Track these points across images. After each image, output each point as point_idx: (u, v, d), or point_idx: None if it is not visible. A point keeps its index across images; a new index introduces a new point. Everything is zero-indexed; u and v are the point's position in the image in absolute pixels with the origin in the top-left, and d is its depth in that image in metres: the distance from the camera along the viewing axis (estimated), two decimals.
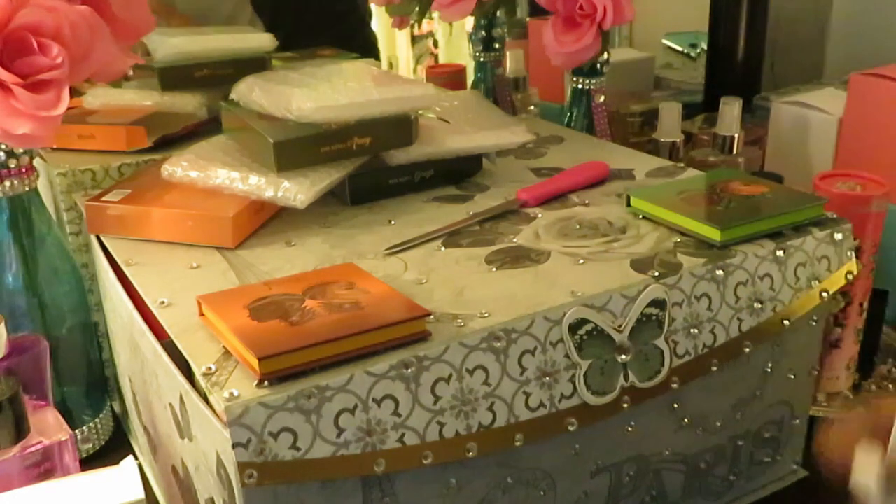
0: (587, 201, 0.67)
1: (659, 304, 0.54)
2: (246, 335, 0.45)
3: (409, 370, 0.46)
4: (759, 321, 0.58)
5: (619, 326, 0.52)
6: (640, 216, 0.63)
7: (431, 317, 0.48)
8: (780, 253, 0.58)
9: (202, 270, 0.57)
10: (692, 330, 0.55)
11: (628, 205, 0.64)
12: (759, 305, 0.58)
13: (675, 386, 0.55)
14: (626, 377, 0.53)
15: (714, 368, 0.57)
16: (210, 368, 0.45)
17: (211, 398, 0.47)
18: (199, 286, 0.54)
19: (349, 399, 0.44)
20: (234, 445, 0.42)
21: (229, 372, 0.45)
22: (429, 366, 0.47)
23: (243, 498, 0.44)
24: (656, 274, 0.54)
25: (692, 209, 0.60)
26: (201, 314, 0.50)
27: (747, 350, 0.58)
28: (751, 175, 0.67)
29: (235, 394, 0.43)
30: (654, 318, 0.54)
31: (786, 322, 0.59)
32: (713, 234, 0.58)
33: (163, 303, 0.53)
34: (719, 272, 0.56)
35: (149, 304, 0.53)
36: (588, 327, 0.51)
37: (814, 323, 0.64)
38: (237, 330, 0.45)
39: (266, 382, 0.43)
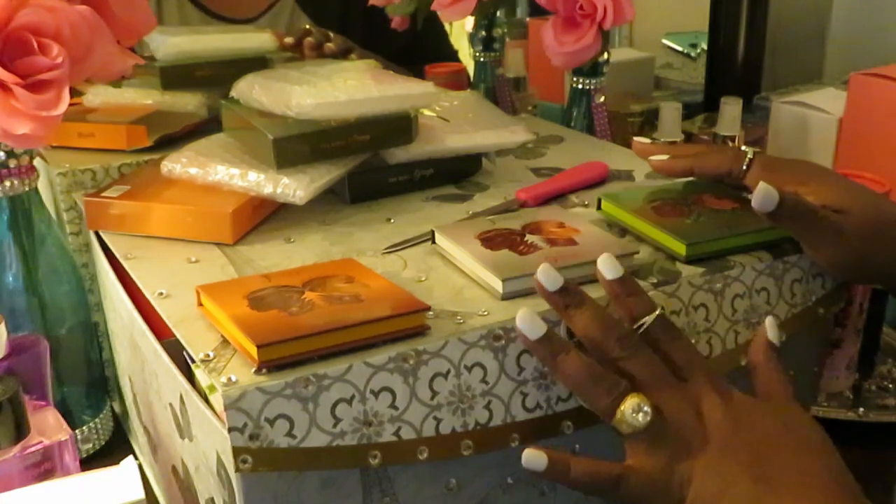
0: (586, 202, 0.67)
1: None
2: (245, 324, 0.45)
3: (408, 363, 0.46)
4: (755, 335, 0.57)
5: None
6: (609, 223, 0.62)
7: (431, 312, 0.48)
8: (777, 267, 0.58)
9: (201, 265, 0.57)
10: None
11: (599, 208, 0.63)
12: (756, 320, 0.57)
13: None
14: None
15: None
16: (208, 355, 0.45)
17: (211, 397, 0.47)
18: (197, 279, 0.54)
19: (347, 389, 0.44)
20: (230, 430, 0.42)
21: (227, 359, 0.45)
22: (427, 360, 0.47)
23: (243, 497, 0.44)
24: (655, 281, 0.54)
25: (660, 220, 0.58)
26: (200, 304, 0.50)
27: (743, 363, 0.57)
28: (725, 187, 0.63)
29: (233, 379, 0.43)
30: None
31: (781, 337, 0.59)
32: (678, 248, 0.56)
33: (161, 294, 0.53)
34: (718, 283, 0.55)
35: (147, 296, 0.53)
36: None
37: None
38: (236, 318, 0.45)
39: (264, 370, 0.43)
